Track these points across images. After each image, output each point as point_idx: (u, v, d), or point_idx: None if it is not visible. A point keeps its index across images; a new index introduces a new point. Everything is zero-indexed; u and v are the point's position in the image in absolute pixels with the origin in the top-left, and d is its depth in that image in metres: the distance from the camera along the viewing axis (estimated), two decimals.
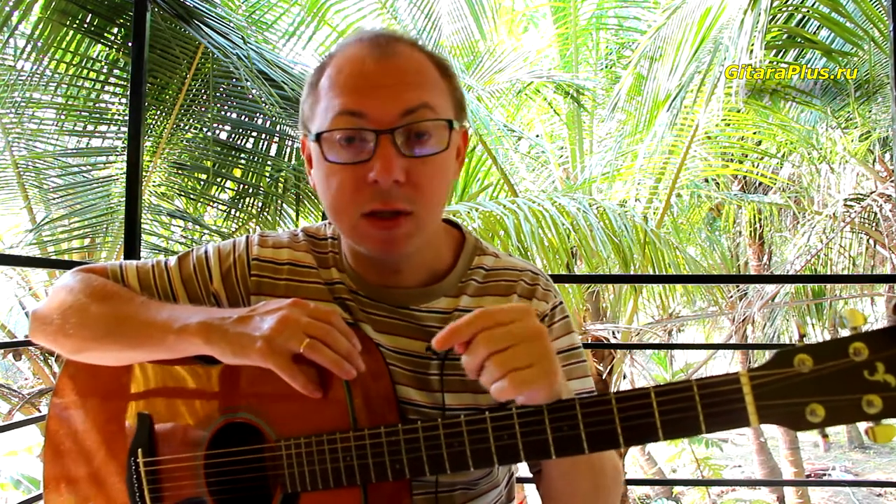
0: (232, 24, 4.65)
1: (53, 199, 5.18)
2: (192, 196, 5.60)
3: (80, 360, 1.07)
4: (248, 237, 1.11)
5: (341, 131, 0.91)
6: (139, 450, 1.01)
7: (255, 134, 5.42)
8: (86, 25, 4.52)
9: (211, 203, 5.77)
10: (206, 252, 1.10)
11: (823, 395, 0.68)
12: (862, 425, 0.69)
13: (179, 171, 5.36)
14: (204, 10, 4.39)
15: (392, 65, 0.92)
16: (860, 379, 0.67)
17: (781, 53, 5.95)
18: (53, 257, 5.16)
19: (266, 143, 5.41)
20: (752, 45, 4.40)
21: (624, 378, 7.53)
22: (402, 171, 0.90)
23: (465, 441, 0.82)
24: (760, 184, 8.67)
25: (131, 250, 2.18)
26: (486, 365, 0.79)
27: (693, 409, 0.73)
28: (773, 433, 9.05)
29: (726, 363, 10.40)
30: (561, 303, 1.09)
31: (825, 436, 0.69)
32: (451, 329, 0.80)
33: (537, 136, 8.29)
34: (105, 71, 4.92)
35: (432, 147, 0.93)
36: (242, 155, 5.44)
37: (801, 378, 0.69)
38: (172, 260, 1.11)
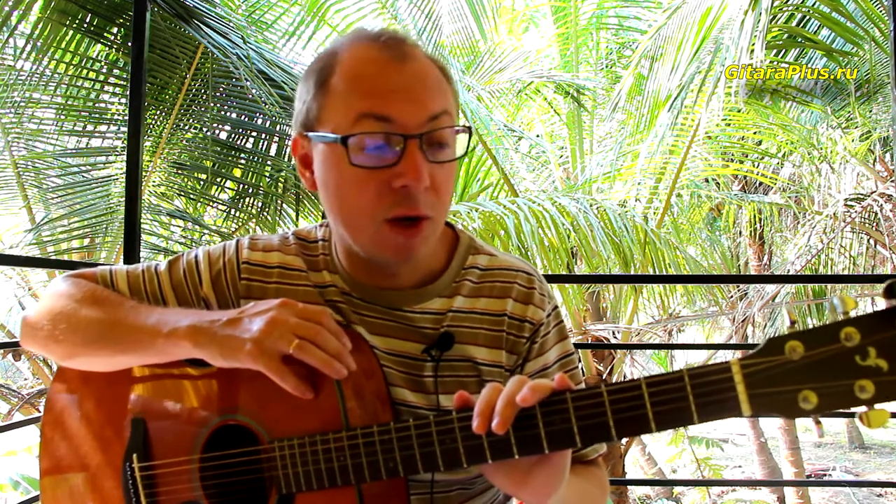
0: (232, 24, 4.65)
1: (53, 199, 5.16)
2: (191, 196, 5.58)
3: (71, 366, 1.06)
4: (238, 241, 1.11)
5: (371, 135, 0.89)
6: (134, 454, 1.01)
7: (255, 134, 5.40)
8: (85, 25, 4.50)
9: (211, 203, 5.75)
10: (196, 256, 1.10)
11: (815, 382, 0.67)
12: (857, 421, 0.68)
13: (179, 171, 5.35)
14: (204, 9, 4.39)
15: (413, 69, 0.91)
16: (852, 364, 0.66)
17: (782, 53, 5.94)
18: (53, 257, 5.14)
19: (266, 143, 5.39)
20: (753, 45, 4.40)
21: (624, 378, 7.50)
22: (428, 176, 0.90)
23: (457, 438, 0.81)
24: (761, 184, 8.65)
25: (131, 250, 2.17)
26: None
27: (685, 399, 0.72)
28: (774, 433, 9.03)
29: None
30: (556, 307, 1.08)
31: (818, 422, 0.68)
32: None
33: (537, 136, 8.28)
34: (105, 71, 4.90)
35: (451, 153, 0.93)
36: (242, 155, 5.42)
37: (792, 365, 0.68)
38: (163, 265, 1.11)
